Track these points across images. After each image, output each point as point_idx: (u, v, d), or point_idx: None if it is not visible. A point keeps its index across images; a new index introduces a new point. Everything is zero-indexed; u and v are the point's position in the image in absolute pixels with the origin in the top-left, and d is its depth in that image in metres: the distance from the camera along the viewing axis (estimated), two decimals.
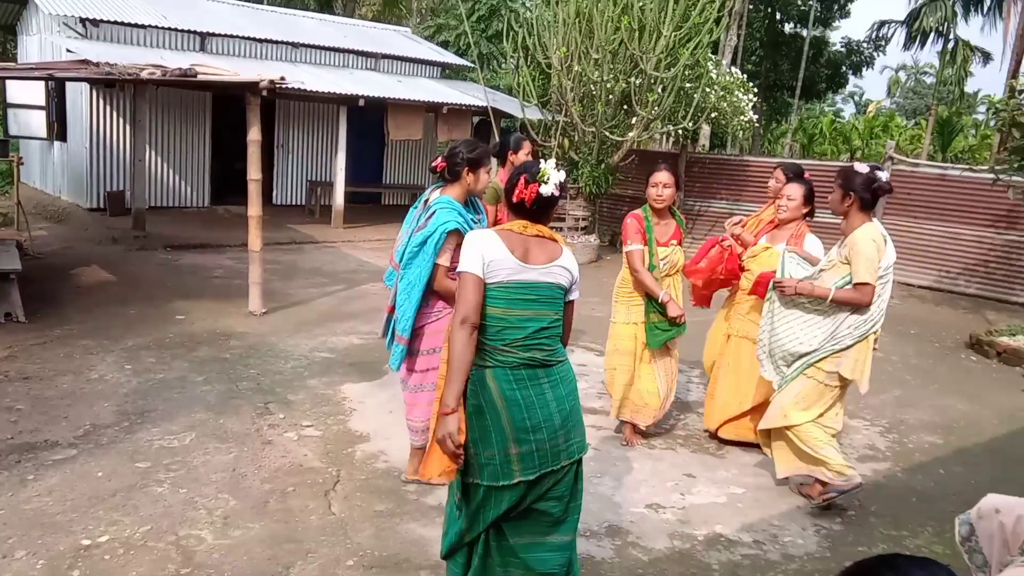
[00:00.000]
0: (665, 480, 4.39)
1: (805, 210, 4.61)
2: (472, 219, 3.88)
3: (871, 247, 3.79)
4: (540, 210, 2.73)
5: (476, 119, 14.87)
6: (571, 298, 2.82)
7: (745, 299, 4.76)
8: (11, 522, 3.46)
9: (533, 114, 12.74)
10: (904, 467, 4.87)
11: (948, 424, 5.70)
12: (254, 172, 7.22)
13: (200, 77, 7.51)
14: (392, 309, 4.00)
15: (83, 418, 4.64)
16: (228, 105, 13.23)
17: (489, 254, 2.63)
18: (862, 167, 3.87)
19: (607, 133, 11.90)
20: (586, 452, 2.81)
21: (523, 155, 4.86)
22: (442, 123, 13.78)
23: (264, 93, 7.28)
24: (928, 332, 8.78)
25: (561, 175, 2.74)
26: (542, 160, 2.78)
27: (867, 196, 3.85)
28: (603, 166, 12.24)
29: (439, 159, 3.94)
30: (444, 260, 3.72)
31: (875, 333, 3.97)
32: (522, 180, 2.70)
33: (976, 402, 6.29)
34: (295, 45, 14.64)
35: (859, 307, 3.88)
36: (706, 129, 18.43)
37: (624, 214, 4.88)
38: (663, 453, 4.76)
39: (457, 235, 3.65)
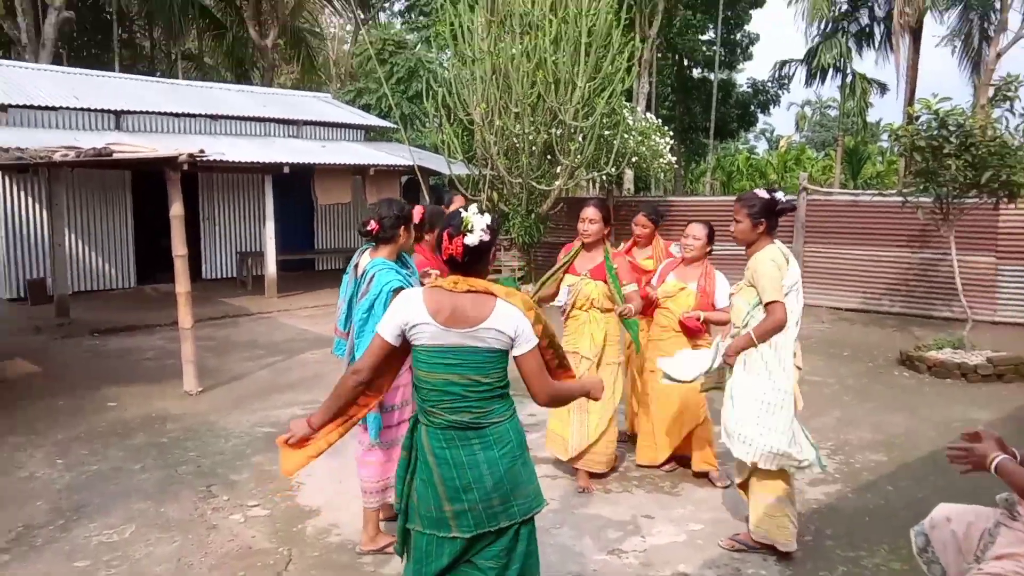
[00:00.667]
0: (624, 524, 4.37)
1: (708, 248, 4.92)
2: (406, 275, 3.92)
3: (771, 267, 3.81)
4: (472, 261, 2.59)
5: (404, 178, 14.96)
6: (519, 352, 2.55)
7: (665, 335, 5.00)
8: None
9: (460, 170, 12.89)
10: (853, 487, 4.97)
11: (890, 441, 5.86)
12: (179, 248, 7.06)
13: (116, 156, 7.37)
14: None
15: (15, 519, 4.38)
16: (149, 182, 12.97)
17: (412, 318, 2.56)
18: (762, 192, 3.93)
19: (534, 183, 12.11)
20: (531, 514, 2.64)
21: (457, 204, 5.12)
22: (370, 184, 13.81)
23: (184, 167, 7.18)
24: (860, 352, 9.06)
25: (486, 219, 2.58)
26: (462, 209, 2.61)
27: (773, 220, 3.91)
28: (533, 216, 12.42)
29: (372, 222, 3.93)
30: None
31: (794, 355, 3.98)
32: (446, 236, 2.58)
33: (913, 416, 6.49)
34: (214, 117, 14.54)
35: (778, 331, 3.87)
36: (629, 173, 18.93)
37: (554, 260, 5.03)
38: (619, 496, 4.75)
39: (402, 292, 3.66)
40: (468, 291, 2.55)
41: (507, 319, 2.52)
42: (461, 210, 2.60)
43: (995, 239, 10.65)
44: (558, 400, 2.77)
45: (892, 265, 11.58)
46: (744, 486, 4.09)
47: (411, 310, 2.57)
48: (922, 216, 8.85)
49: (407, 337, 2.59)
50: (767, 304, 3.79)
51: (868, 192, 12.53)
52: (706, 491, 4.80)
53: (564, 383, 2.78)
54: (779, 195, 3.92)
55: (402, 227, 3.90)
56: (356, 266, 4.07)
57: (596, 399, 2.87)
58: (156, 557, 3.96)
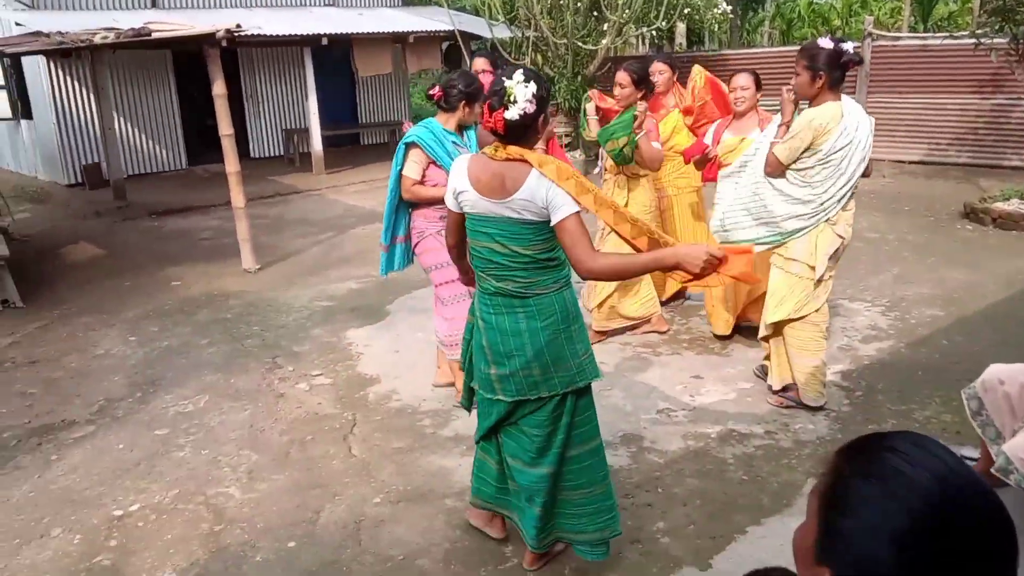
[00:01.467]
0: (674, 384, 4.46)
1: (759, 96, 4.72)
2: (454, 140, 4.03)
3: (803, 128, 3.66)
4: (516, 133, 2.50)
5: (445, 45, 14.50)
6: (554, 221, 2.45)
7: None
8: (42, 503, 3.53)
9: (502, 33, 12.42)
10: (907, 343, 4.94)
11: (948, 295, 5.75)
12: (225, 128, 7.07)
13: (155, 35, 7.29)
14: (396, 240, 4.30)
15: (95, 394, 4.68)
16: (190, 61, 12.86)
17: (458, 184, 2.60)
18: (825, 42, 3.65)
19: (579, 43, 11.62)
20: (572, 387, 2.66)
21: (478, 69, 4.93)
22: (411, 53, 13.45)
23: (223, 44, 7.07)
24: (922, 206, 8.76)
25: (531, 88, 2.45)
26: (507, 78, 2.48)
27: (837, 73, 3.65)
28: (580, 78, 12.00)
29: (436, 88, 4.05)
30: (409, 171, 3.97)
31: (829, 221, 3.83)
32: (487, 109, 2.50)
33: (975, 270, 6.32)
34: None
35: (795, 195, 3.79)
36: (681, 27, 17.98)
37: None
38: (669, 359, 4.82)
39: (415, 147, 3.94)
40: (506, 159, 2.50)
41: (538, 189, 2.45)
42: (505, 79, 2.48)
43: None
44: (610, 273, 2.56)
45: (960, 113, 10.96)
46: (767, 339, 4.13)
47: (458, 176, 2.61)
48: (995, 59, 8.26)
49: (460, 203, 2.63)
50: (772, 145, 3.79)
51: (938, 35, 11.70)
52: (756, 351, 4.82)
53: (623, 256, 2.52)
54: (845, 45, 3.62)
55: (464, 102, 3.99)
56: None
57: (691, 273, 2.34)
58: (229, 424, 4.22)
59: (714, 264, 2.32)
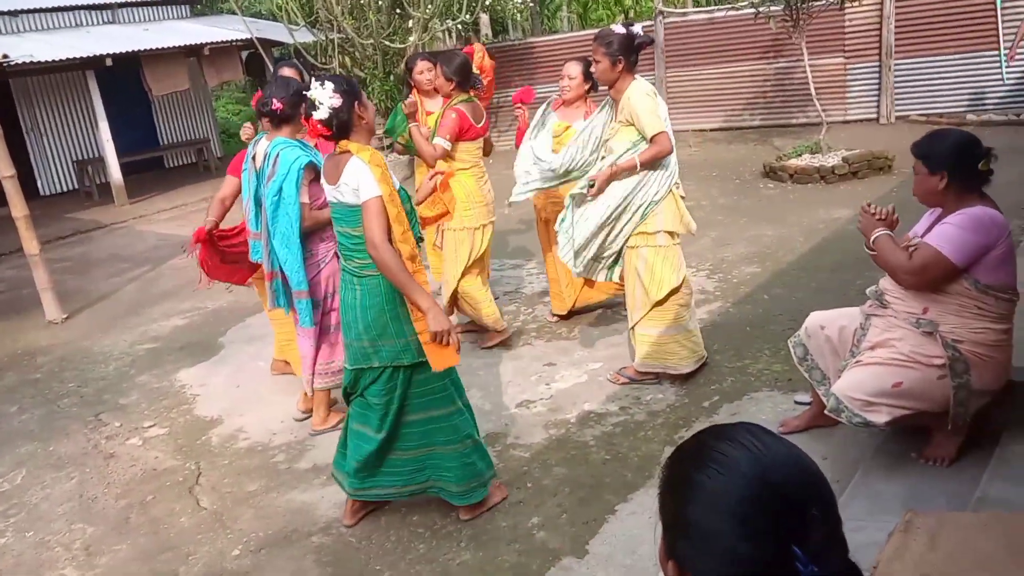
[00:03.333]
0: (529, 376, 4.49)
1: (587, 86, 4.72)
2: (312, 151, 3.83)
3: (648, 100, 3.81)
4: (339, 129, 2.86)
5: (245, 54, 13.82)
6: (359, 201, 2.79)
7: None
8: None
9: (304, 37, 12.00)
10: (733, 301, 5.25)
11: (762, 252, 6.18)
12: (5, 168, 6.35)
13: None
14: (272, 275, 3.85)
15: None
16: None
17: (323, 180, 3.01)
18: (618, 28, 3.82)
19: (387, 42, 11.45)
20: (397, 362, 2.95)
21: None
22: (208, 66, 12.69)
23: None
24: (727, 171, 9.37)
25: (327, 89, 2.79)
26: (310, 87, 2.84)
27: (633, 56, 3.83)
28: (392, 77, 11.82)
29: (275, 101, 3.76)
30: (304, 197, 3.71)
31: (676, 185, 4.05)
32: (304, 121, 2.90)
33: (782, 225, 6.84)
34: (14, 13, 12.79)
35: (662, 160, 3.91)
36: (485, 19, 18.19)
37: None
38: (521, 351, 4.85)
39: (312, 168, 3.69)
40: (340, 152, 2.90)
41: (352, 172, 2.81)
42: (307, 92, 2.84)
43: (843, 39, 10.98)
44: (385, 265, 2.79)
45: (750, 80, 11.82)
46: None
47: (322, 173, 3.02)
48: (774, 26, 8.96)
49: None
50: (652, 137, 3.79)
51: (722, 7, 12.53)
52: (599, 330, 4.96)
53: (402, 266, 2.81)
54: (635, 28, 3.81)
55: (303, 105, 3.67)
56: (254, 157, 3.96)
57: (426, 332, 2.86)
58: (55, 498, 3.79)
59: (443, 344, 2.88)
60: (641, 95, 3.81)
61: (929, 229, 2.97)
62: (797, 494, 0.96)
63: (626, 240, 4.02)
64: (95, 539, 3.41)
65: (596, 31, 4.21)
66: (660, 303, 4.02)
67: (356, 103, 2.87)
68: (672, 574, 1.01)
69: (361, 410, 3.11)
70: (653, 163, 3.88)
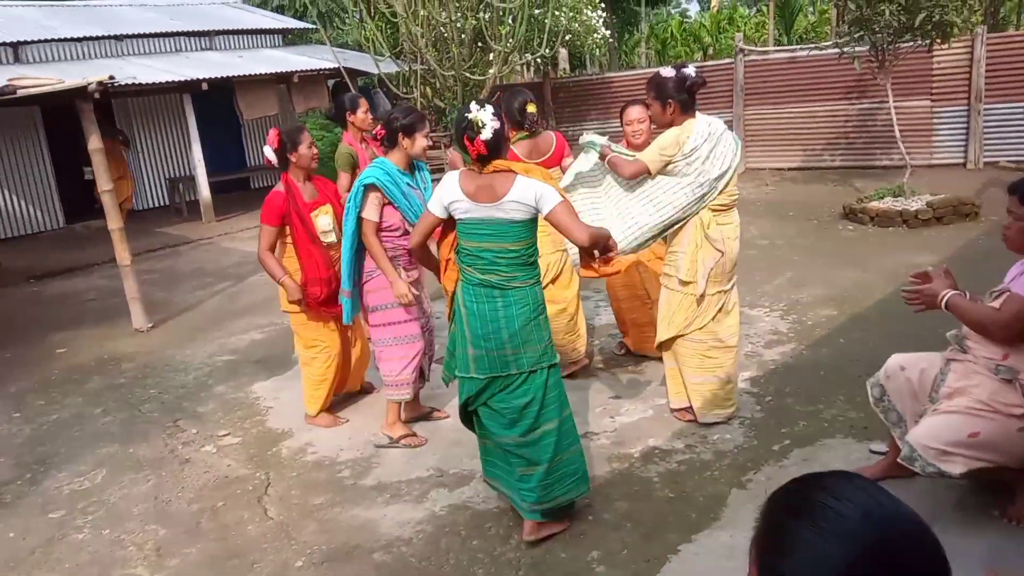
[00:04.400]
0: (593, 407, 4.47)
1: (653, 128, 4.69)
2: (408, 182, 4.00)
3: (668, 138, 3.80)
4: (494, 150, 3.02)
5: (331, 82, 14.32)
6: (546, 211, 2.98)
7: None
8: None
9: (388, 67, 12.37)
10: (807, 344, 5.13)
11: (840, 295, 6.03)
12: (104, 183, 6.72)
13: (20, 92, 6.86)
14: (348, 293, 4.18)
15: None
16: (61, 115, 12.22)
17: (447, 197, 3.11)
18: (667, 71, 3.81)
19: (467, 74, 11.70)
20: (537, 366, 3.12)
21: (361, 113, 5.09)
22: (296, 93, 13.21)
23: (96, 96, 6.75)
24: (805, 211, 9.20)
25: (488, 111, 2.99)
26: (471, 110, 3.00)
27: (684, 96, 3.79)
28: None
29: (379, 126, 4.14)
30: (368, 214, 3.91)
31: (708, 237, 3.90)
32: (467, 141, 3.00)
33: (861, 269, 6.66)
34: (119, 38, 13.58)
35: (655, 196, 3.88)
36: (564, 53, 18.41)
37: None
38: (585, 382, 4.84)
39: (374, 189, 3.89)
40: (494, 171, 3.03)
41: (526, 190, 2.98)
42: (467, 113, 3.01)
43: (930, 82, 10.72)
44: (596, 239, 3.02)
45: (831, 119, 11.63)
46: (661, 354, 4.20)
47: (447, 190, 3.12)
48: (858, 67, 8.82)
49: (450, 212, 3.13)
50: (638, 157, 3.85)
51: (804, 47, 12.41)
52: None
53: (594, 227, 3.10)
54: (687, 70, 3.78)
55: (402, 134, 3.97)
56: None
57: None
58: (132, 498, 3.95)
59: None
60: (670, 136, 3.81)
61: (1016, 278, 2.87)
62: (915, 569, 0.86)
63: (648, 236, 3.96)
64: (167, 541, 3.53)
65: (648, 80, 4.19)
66: (668, 344, 4.06)
67: (505, 131, 3.11)
68: None
69: (490, 420, 3.23)
70: (688, 198, 3.84)
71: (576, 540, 3.23)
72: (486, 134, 2.96)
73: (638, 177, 3.87)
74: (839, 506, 0.89)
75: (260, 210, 4.48)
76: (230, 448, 4.41)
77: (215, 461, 4.26)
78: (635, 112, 4.63)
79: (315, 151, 4.40)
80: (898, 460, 2.96)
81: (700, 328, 3.99)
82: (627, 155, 3.95)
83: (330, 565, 3.22)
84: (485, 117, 2.97)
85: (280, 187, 4.37)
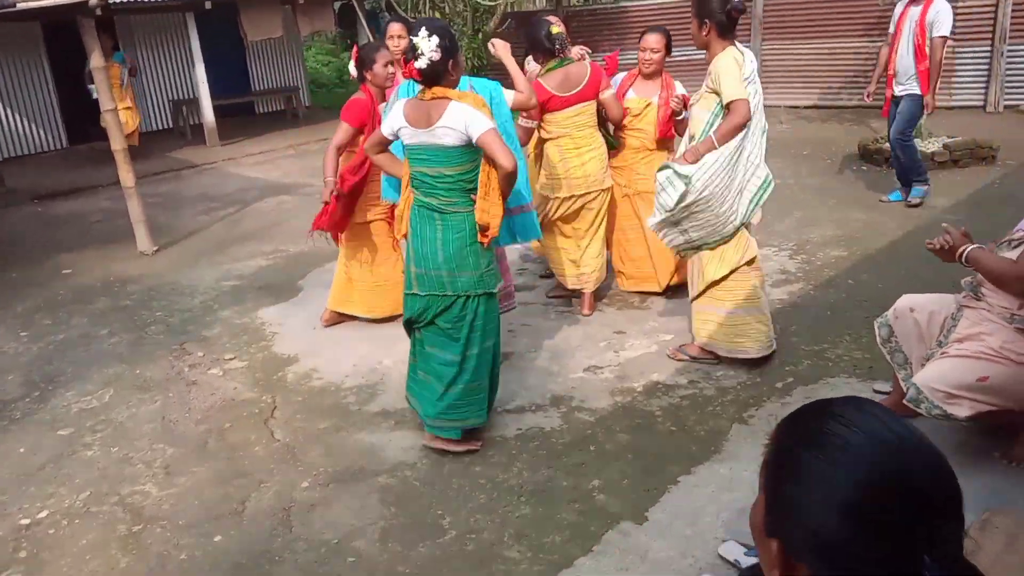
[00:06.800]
0: (598, 341, 4.47)
1: (666, 58, 4.61)
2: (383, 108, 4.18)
3: (731, 65, 3.62)
4: (431, 77, 3.07)
5: (338, 5, 13.96)
6: (475, 136, 3.01)
7: (637, 157, 4.75)
8: None
9: None
10: (815, 284, 5.10)
11: (851, 235, 5.97)
12: (107, 102, 6.61)
13: (20, 6, 6.70)
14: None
15: None
16: (63, 33, 11.96)
17: (395, 123, 3.23)
18: None
19: (478, 0, 11.40)
20: (472, 291, 3.24)
21: (379, 68, 4.40)
22: (301, 15, 12.86)
23: (97, 12, 6.58)
24: (819, 150, 9.05)
25: (433, 40, 2.98)
26: (417, 34, 3.03)
27: (723, 19, 3.64)
28: (480, 36, 11.79)
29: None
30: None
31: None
32: (403, 63, 3.24)
33: (873, 210, 6.58)
34: None
35: (750, 148, 3.74)
36: None
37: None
38: (591, 317, 4.83)
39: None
40: (432, 99, 3.11)
41: (456, 115, 3.03)
42: (413, 36, 3.04)
43: (955, 21, 10.39)
44: (513, 179, 3.11)
45: (850, 57, 11.32)
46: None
47: (395, 116, 3.23)
48: (882, 3, 8.53)
49: (398, 135, 3.24)
50: (728, 104, 3.60)
51: None
52: (674, 302, 4.88)
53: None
54: None
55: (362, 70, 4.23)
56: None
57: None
58: (140, 418, 3.99)
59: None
60: (728, 60, 3.62)
61: None
62: (926, 499, 0.85)
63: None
64: (175, 459, 3.58)
65: None
66: (718, 282, 3.88)
67: (451, 60, 3.08)
68: (775, 552, 0.93)
69: (435, 336, 3.36)
70: (755, 154, 3.71)
71: (578, 469, 3.27)
72: (420, 63, 3.01)
73: (748, 119, 3.62)
74: (848, 433, 0.88)
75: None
76: (236, 372, 4.44)
77: (221, 384, 4.29)
78: (653, 40, 4.54)
79: (391, 70, 4.40)
80: (904, 401, 2.96)
81: (749, 263, 3.90)
82: (707, 123, 3.71)
83: (335, 486, 3.28)
84: (425, 46, 2.99)
85: (361, 95, 4.41)
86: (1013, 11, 9.95)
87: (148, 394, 4.24)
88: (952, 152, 7.71)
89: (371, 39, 12.05)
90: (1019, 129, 8.80)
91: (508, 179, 3.09)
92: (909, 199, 6.57)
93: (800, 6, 11.69)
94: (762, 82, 3.88)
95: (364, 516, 3.07)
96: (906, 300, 3.25)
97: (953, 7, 9.78)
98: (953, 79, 10.57)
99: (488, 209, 3.16)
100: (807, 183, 7.66)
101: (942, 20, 6.16)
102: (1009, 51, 10.08)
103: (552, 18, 4.58)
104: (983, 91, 10.41)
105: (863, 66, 11.26)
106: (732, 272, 3.87)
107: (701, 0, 3.65)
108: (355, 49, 4.49)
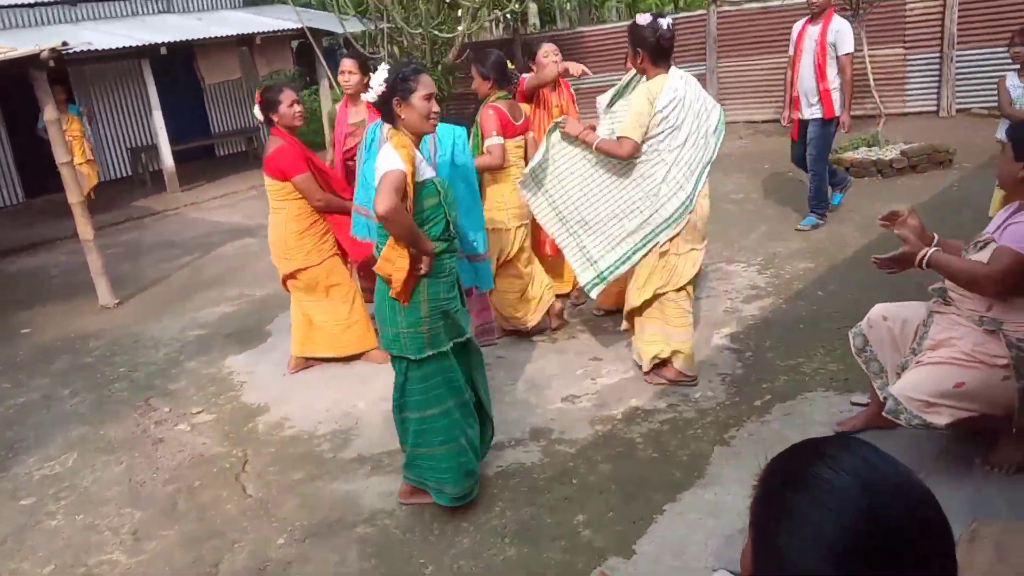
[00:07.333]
0: (574, 370, 4.42)
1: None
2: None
3: (642, 103, 3.71)
4: (383, 112, 3.00)
5: (295, 44, 13.93)
6: (378, 174, 2.86)
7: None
8: None
9: (354, 26, 12.03)
10: (786, 298, 5.10)
11: (816, 247, 6.00)
12: (61, 155, 6.47)
13: None
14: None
15: None
16: (16, 85, 11.77)
17: None
18: (643, 18, 3.74)
19: (435, 32, 11.42)
20: (392, 352, 3.06)
21: (284, 108, 4.34)
22: (259, 56, 12.80)
23: (50, 64, 6.46)
24: (780, 164, 9.11)
25: (380, 75, 2.92)
26: (379, 68, 2.98)
27: (655, 46, 3.71)
28: (440, 67, 11.80)
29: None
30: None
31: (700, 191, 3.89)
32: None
33: (837, 220, 6.63)
34: (73, 3, 13.06)
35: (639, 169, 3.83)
36: (533, 8, 18.04)
37: (473, 112, 4.74)
38: (566, 344, 4.78)
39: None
40: (386, 138, 2.98)
41: (381, 156, 2.88)
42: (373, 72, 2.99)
43: (903, 29, 10.63)
44: (392, 223, 2.77)
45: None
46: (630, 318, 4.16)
47: None
48: None
49: None
50: (619, 137, 3.78)
51: None
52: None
53: (412, 223, 2.85)
54: (661, 21, 3.69)
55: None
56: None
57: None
58: (105, 481, 3.85)
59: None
60: (641, 97, 3.74)
61: (1001, 227, 2.82)
62: (915, 542, 0.83)
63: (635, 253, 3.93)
64: (143, 523, 3.44)
65: None
66: (642, 308, 4.02)
67: (396, 97, 2.89)
68: None
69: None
70: (668, 183, 3.79)
71: (562, 505, 3.20)
72: (369, 95, 2.97)
73: (628, 157, 3.78)
74: (834, 477, 0.87)
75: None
76: (204, 425, 4.31)
77: (189, 439, 4.16)
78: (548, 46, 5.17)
79: (297, 109, 4.33)
80: (883, 413, 2.93)
81: (677, 289, 3.94)
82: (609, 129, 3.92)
83: (312, 541, 3.17)
84: (374, 80, 2.93)
85: (279, 140, 4.35)
86: (959, 17, 10.19)
87: (113, 455, 4.09)
88: (910, 158, 7.82)
89: (330, 77, 12.03)
90: (972, 132, 8.96)
91: (388, 226, 2.80)
92: (800, 225, 6.48)
93: (753, 23, 11.88)
94: (720, 99, 3.93)
95: (343, 571, 2.96)
96: (879, 309, 3.25)
97: (903, 15, 9.97)
98: (906, 86, 10.78)
99: (392, 259, 2.83)
100: (770, 197, 7.71)
101: (843, 38, 6.13)
102: (957, 56, 10.30)
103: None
104: (935, 96, 10.62)
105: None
106: (656, 298, 3.97)
107: (633, 30, 3.79)
108: (257, 95, 4.40)
